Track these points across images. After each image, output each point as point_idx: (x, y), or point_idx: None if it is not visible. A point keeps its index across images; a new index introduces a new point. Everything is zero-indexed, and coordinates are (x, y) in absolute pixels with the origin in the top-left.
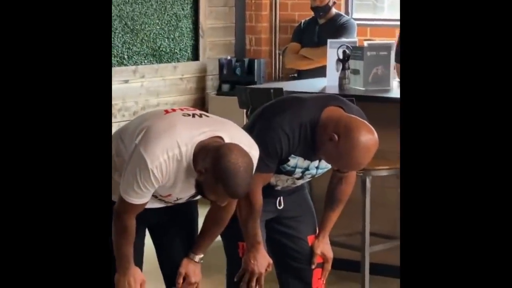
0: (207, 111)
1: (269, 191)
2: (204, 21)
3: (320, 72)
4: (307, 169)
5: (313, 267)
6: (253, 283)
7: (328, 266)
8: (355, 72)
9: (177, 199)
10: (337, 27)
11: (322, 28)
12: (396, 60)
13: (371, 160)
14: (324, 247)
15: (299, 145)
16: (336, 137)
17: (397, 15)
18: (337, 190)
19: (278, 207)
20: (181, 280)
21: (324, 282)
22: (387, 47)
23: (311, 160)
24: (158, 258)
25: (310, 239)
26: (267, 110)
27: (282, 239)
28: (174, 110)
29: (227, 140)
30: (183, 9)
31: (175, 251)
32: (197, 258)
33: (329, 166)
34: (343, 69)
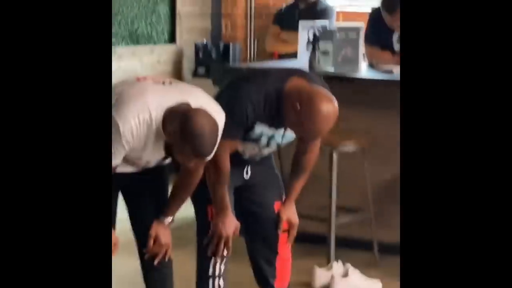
0: None
1: (237, 160)
2: (181, 6)
3: None
4: (272, 137)
5: (279, 232)
6: (221, 246)
7: (294, 232)
8: (325, 53)
9: (147, 163)
10: (318, 12)
11: (302, 12)
12: (366, 42)
13: (338, 136)
14: (290, 213)
15: (264, 114)
16: (298, 105)
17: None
18: (302, 159)
19: (246, 176)
20: (151, 242)
21: (290, 246)
22: (356, 30)
23: (276, 128)
24: (130, 220)
25: (276, 205)
26: (234, 81)
27: (250, 205)
28: (145, 78)
29: (194, 106)
30: None
31: (146, 214)
32: (167, 221)
33: (294, 135)
34: (313, 50)
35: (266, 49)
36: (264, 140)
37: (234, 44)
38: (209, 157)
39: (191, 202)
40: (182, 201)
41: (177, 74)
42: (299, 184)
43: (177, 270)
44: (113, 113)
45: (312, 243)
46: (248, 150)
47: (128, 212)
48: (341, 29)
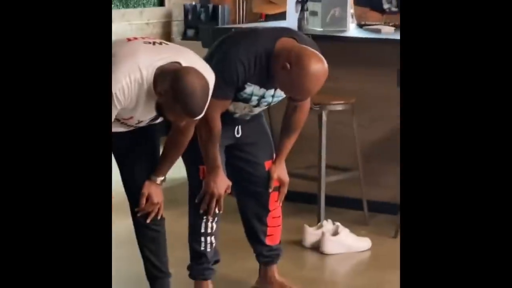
0: None
1: (228, 119)
2: None
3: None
4: (262, 96)
5: (270, 190)
6: (213, 204)
7: (284, 190)
8: (313, 13)
9: (139, 122)
10: None
11: None
12: (354, 3)
13: (327, 96)
14: (280, 172)
15: (254, 74)
16: (288, 65)
17: None
18: (292, 118)
19: (237, 135)
20: (144, 201)
21: (280, 204)
22: None
23: (267, 88)
24: (123, 180)
25: (267, 164)
26: (224, 41)
27: (241, 164)
28: (136, 38)
29: (184, 65)
30: None
31: (138, 173)
32: (159, 180)
33: (284, 95)
34: (302, 10)
35: (253, 10)
36: (254, 100)
37: (223, 6)
38: (200, 116)
39: (183, 163)
40: (173, 160)
41: (166, 36)
42: (289, 143)
43: (169, 229)
44: None
45: (302, 202)
46: (239, 109)
47: (120, 172)
48: None
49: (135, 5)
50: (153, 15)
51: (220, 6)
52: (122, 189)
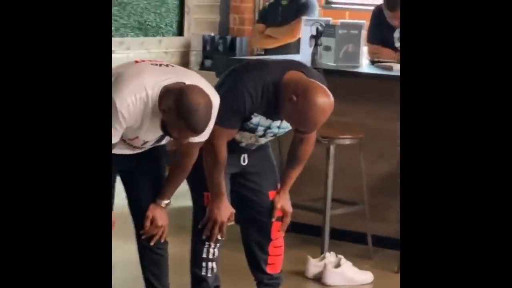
0: None
1: (235, 147)
2: None
3: (285, 49)
4: (269, 127)
5: (273, 220)
6: (216, 230)
7: (287, 220)
8: (327, 48)
9: (144, 143)
10: (299, 6)
11: (284, 8)
12: (368, 41)
13: (335, 129)
14: (284, 202)
15: (261, 105)
16: (295, 98)
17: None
18: (298, 149)
19: (242, 163)
20: (148, 223)
21: (283, 234)
22: (358, 26)
23: (273, 119)
24: (128, 202)
25: (271, 194)
26: (234, 71)
27: (245, 193)
28: (143, 60)
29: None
30: None
31: (143, 196)
32: (163, 203)
33: (290, 126)
34: (316, 45)
35: (252, 45)
36: (260, 130)
37: (241, 38)
38: (203, 135)
39: (189, 190)
40: (178, 183)
41: (184, 66)
42: (294, 174)
43: (172, 255)
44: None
45: (306, 234)
46: (245, 139)
47: (126, 194)
48: (343, 26)
49: (154, 34)
50: (171, 44)
51: (238, 38)
52: (127, 211)
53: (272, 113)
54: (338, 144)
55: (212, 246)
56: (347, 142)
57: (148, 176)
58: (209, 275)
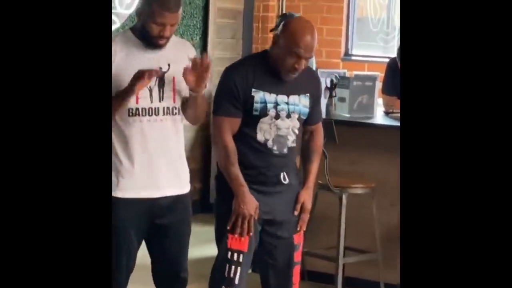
0: (209, 134)
1: (269, 158)
2: (212, 51)
3: None
4: (276, 103)
5: (296, 213)
6: (246, 225)
7: (305, 217)
8: (342, 100)
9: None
10: None
11: None
12: (383, 92)
13: (348, 179)
14: (306, 198)
15: (255, 78)
16: (276, 37)
17: (390, 53)
18: (310, 143)
19: (284, 182)
20: None
21: (302, 234)
22: (372, 78)
23: (277, 93)
24: (153, 267)
25: (296, 238)
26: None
27: (272, 240)
28: None
29: None
30: (192, 39)
31: (167, 261)
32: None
33: (299, 102)
34: (330, 96)
35: None
36: (271, 109)
37: None
38: (177, 11)
39: (207, 240)
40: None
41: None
42: (314, 167)
43: None
44: None
45: (320, 282)
46: (267, 133)
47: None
48: (357, 77)
49: None
50: None
51: None
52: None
53: (274, 87)
54: (350, 193)
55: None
56: (359, 191)
57: (173, 242)
58: None
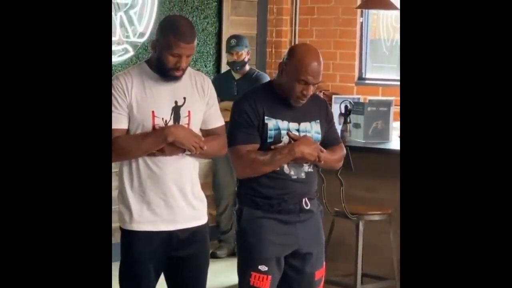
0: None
1: (286, 185)
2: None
3: None
4: (289, 130)
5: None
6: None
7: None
8: (356, 125)
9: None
10: (251, 80)
11: (239, 82)
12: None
13: (364, 206)
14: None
15: (264, 105)
16: (283, 63)
17: None
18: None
19: (305, 207)
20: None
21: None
22: (387, 103)
23: (288, 120)
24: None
25: (318, 274)
26: None
27: (295, 275)
28: None
29: None
30: (205, 66)
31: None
32: None
33: (311, 129)
34: (345, 122)
35: None
36: (285, 137)
37: None
38: (193, 42)
39: (227, 268)
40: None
41: None
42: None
43: None
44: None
45: None
46: None
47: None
48: (372, 103)
49: None
50: None
51: None
52: None
53: (285, 114)
54: (367, 220)
55: None
56: (376, 218)
57: (190, 276)
58: None
